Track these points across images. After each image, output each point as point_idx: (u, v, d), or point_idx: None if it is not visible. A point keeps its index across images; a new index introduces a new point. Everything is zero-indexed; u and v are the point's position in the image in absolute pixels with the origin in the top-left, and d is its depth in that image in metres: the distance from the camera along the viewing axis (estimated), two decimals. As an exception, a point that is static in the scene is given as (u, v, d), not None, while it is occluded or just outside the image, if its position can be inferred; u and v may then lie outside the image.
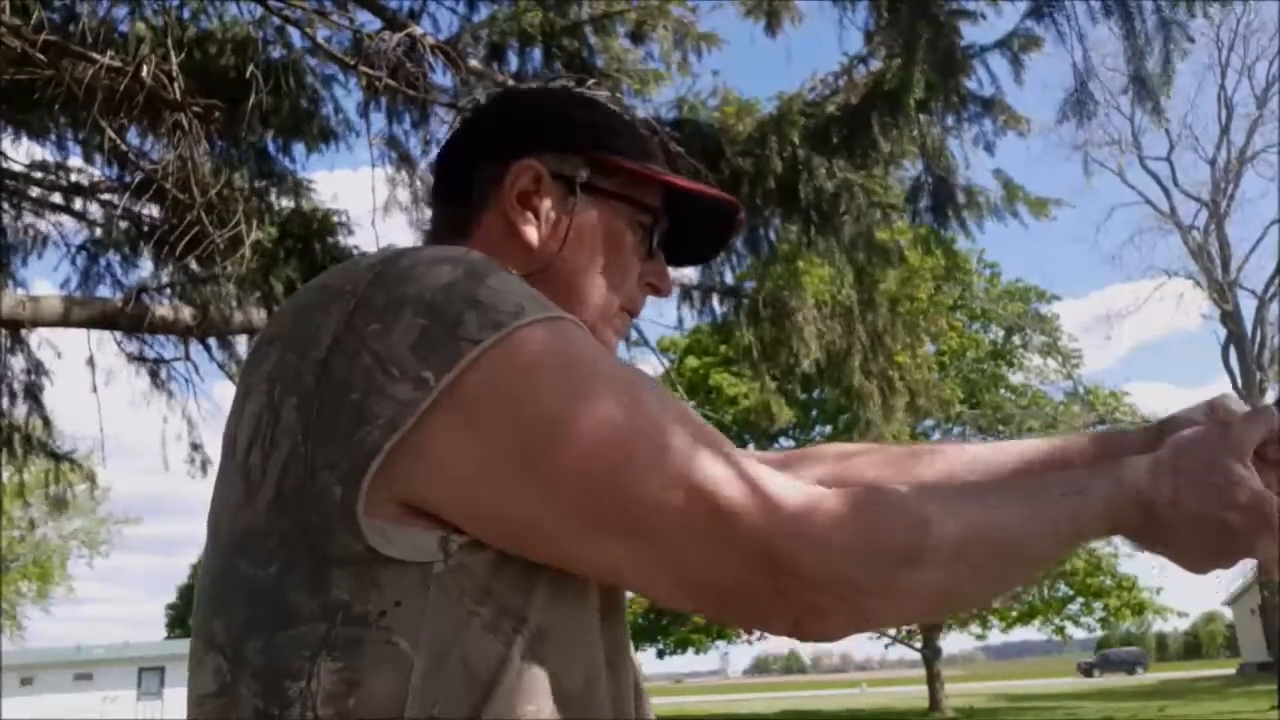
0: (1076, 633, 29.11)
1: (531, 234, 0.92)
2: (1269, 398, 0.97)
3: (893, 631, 24.87)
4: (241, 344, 6.20)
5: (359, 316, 0.74)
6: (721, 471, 0.74)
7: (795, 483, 0.76)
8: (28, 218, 6.05)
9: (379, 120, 5.52)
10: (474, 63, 5.11)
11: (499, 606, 0.74)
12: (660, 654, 28.01)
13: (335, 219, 5.76)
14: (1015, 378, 25.92)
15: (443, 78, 5.12)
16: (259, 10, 5.10)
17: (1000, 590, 0.82)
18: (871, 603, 0.74)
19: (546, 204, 0.93)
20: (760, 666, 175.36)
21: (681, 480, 0.73)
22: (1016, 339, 25.97)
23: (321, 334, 0.75)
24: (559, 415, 0.73)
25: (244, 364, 0.83)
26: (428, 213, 4.60)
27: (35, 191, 6.02)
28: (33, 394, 6.28)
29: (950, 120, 5.44)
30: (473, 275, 0.76)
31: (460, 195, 0.96)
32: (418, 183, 5.70)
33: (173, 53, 4.41)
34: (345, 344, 0.74)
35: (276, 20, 5.15)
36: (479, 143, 0.99)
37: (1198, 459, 0.84)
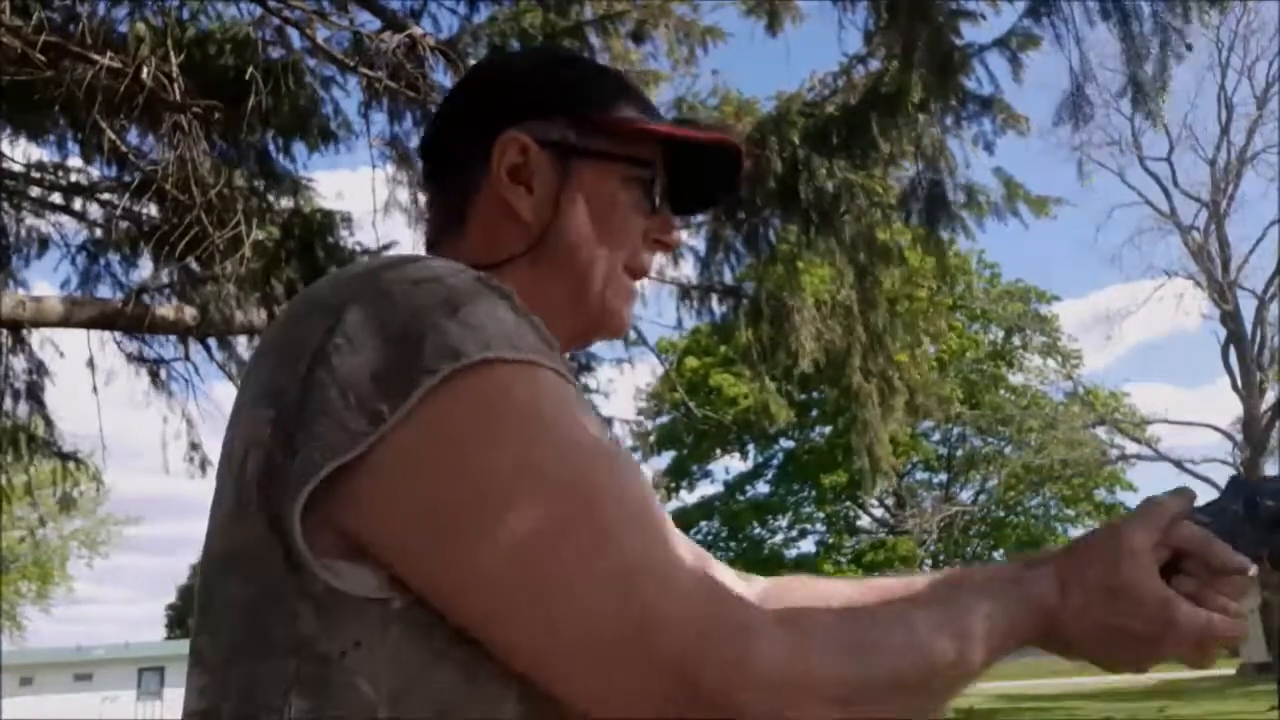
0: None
1: (526, 210, 0.87)
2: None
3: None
4: (242, 344, 6.20)
5: (334, 334, 0.71)
6: (663, 578, 0.67)
7: (747, 608, 0.69)
8: (28, 218, 6.05)
9: (379, 121, 5.53)
10: (474, 63, 5.11)
11: (480, 649, 0.68)
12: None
13: (337, 219, 5.77)
14: (1015, 378, 25.98)
15: (443, 78, 5.13)
16: (259, 10, 5.10)
17: (918, 717, 0.77)
18: None
19: (538, 175, 0.87)
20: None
21: (616, 582, 0.66)
22: (1016, 339, 26.00)
23: (304, 348, 0.71)
24: (497, 477, 0.67)
25: (243, 373, 0.81)
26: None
27: (35, 191, 6.02)
28: (34, 394, 6.28)
29: (949, 120, 5.45)
30: (450, 301, 0.71)
31: (450, 181, 0.92)
32: (418, 183, 5.70)
33: (172, 53, 4.42)
34: (319, 360, 0.70)
35: (276, 20, 5.15)
36: (461, 123, 0.93)
37: (1098, 567, 0.82)
